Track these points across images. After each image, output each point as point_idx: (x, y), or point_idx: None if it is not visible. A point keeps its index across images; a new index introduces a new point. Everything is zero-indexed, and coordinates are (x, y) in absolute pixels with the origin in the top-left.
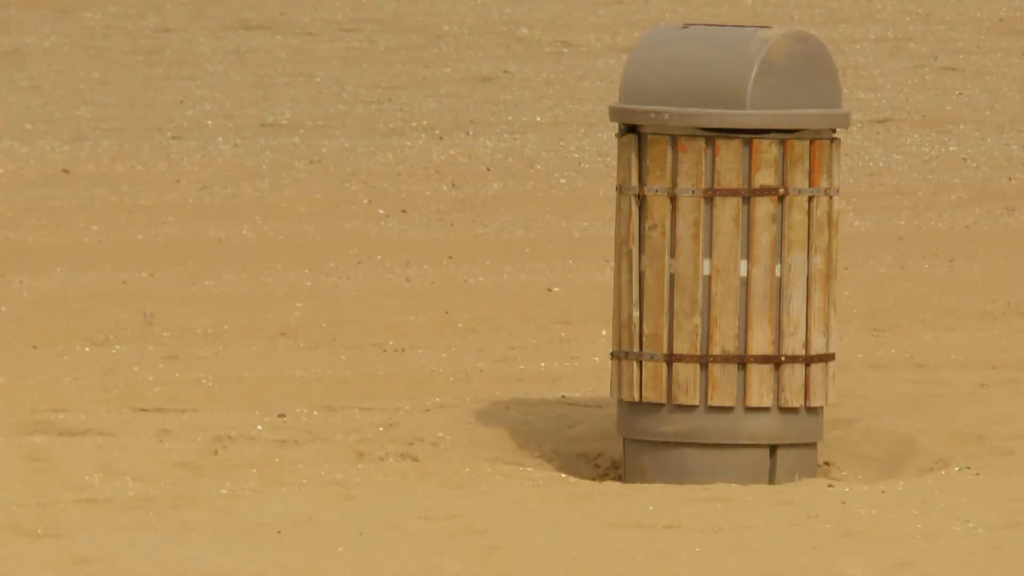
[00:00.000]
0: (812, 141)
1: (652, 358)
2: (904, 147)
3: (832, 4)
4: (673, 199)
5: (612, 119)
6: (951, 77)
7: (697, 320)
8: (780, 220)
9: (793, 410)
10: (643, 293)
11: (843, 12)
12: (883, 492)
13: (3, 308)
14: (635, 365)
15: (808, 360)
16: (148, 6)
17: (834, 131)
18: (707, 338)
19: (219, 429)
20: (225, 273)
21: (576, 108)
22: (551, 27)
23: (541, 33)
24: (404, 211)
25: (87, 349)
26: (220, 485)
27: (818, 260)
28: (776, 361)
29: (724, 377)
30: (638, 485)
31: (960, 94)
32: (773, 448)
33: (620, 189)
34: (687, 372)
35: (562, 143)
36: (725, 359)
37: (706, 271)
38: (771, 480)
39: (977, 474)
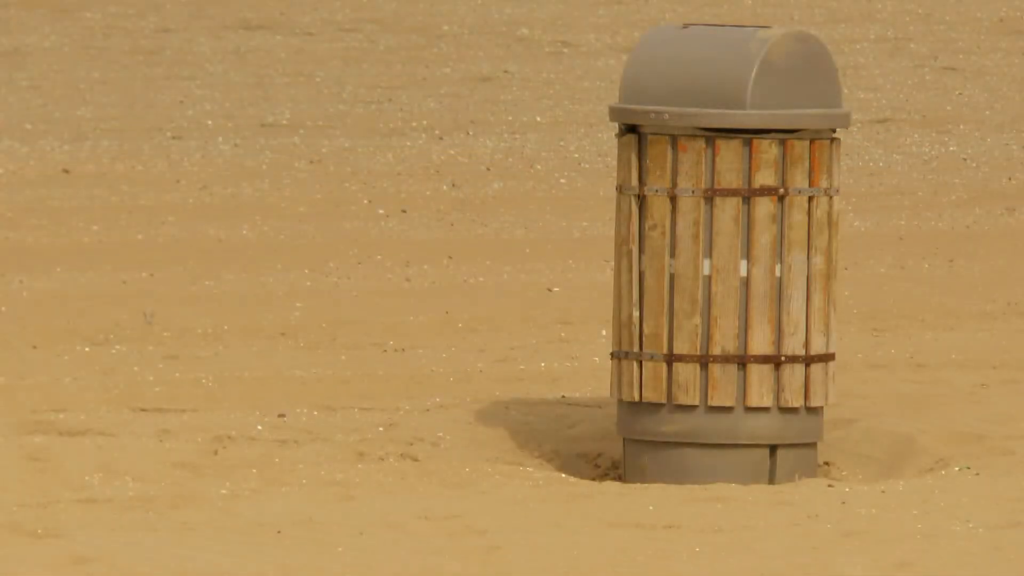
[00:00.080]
0: (812, 141)
1: (652, 358)
2: (904, 147)
3: (832, 4)
4: (673, 199)
5: (612, 119)
6: (951, 77)
7: (697, 320)
8: (780, 220)
9: (793, 410)
10: (643, 293)
11: (843, 12)
12: (883, 492)
13: (3, 308)
14: (635, 365)
15: (808, 360)
16: (148, 6)
17: (834, 131)
18: (707, 338)
19: (219, 429)
20: (225, 273)
21: (576, 108)
22: (551, 27)
23: (541, 33)
24: (404, 211)
25: (87, 349)
26: (220, 485)
27: (818, 260)
28: (776, 361)
29: (724, 377)
30: (638, 485)
31: (960, 94)
32: (773, 448)
33: (620, 189)
34: (687, 372)
35: (562, 143)
36: (725, 359)
37: (706, 271)
38: (771, 480)
39: (977, 474)
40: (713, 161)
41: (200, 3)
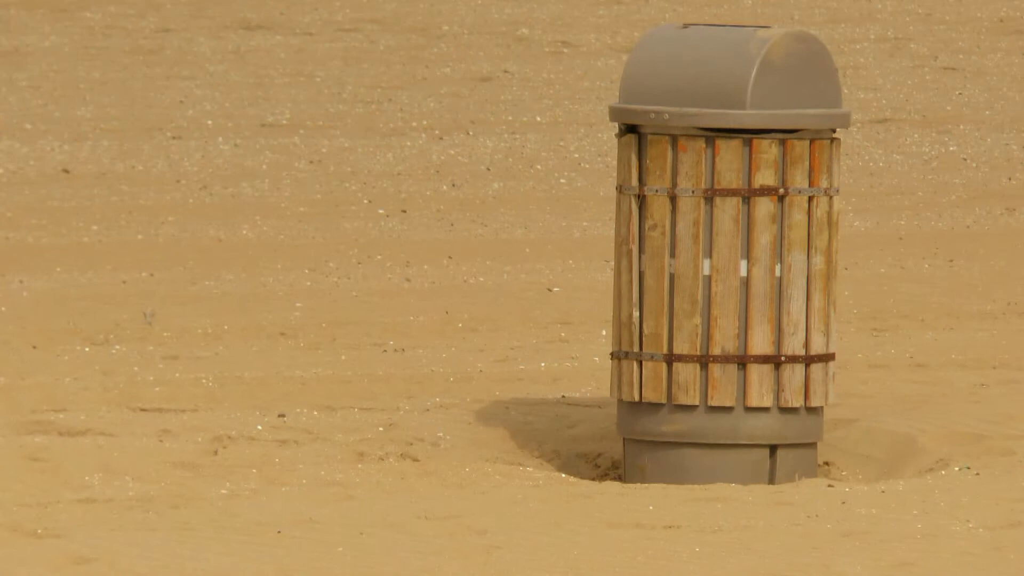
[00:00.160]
0: (812, 141)
1: (652, 358)
2: (904, 147)
3: (832, 4)
4: (673, 199)
5: (612, 119)
6: (951, 77)
7: (697, 320)
8: (780, 220)
9: (793, 410)
10: (643, 293)
11: (843, 12)
12: (883, 492)
13: (3, 308)
14: (635, 365)
15: (808, 360)
16: (148, 6)
17: (834, 131)
18: (707, 338)
19: (219, 429)
20: (225, 273)
21: (576, 108)
22: (551, 27)
23: (541, 33)
24: (404, 211)
25: (87, 349)
26: (220, 485)
27: (818, 260)
28: (776, 361)
29: (724, 377)
30: (638, 485)
31: (960, 94)
32: (773, 448)
33: (620, 189)
34: (687, 372)
35: (562, 143)
36: (725, 359)
37: (706, 271)
38: (771, 480)
39: (977, 474)
40: (713, 161)
41: (200, 3)
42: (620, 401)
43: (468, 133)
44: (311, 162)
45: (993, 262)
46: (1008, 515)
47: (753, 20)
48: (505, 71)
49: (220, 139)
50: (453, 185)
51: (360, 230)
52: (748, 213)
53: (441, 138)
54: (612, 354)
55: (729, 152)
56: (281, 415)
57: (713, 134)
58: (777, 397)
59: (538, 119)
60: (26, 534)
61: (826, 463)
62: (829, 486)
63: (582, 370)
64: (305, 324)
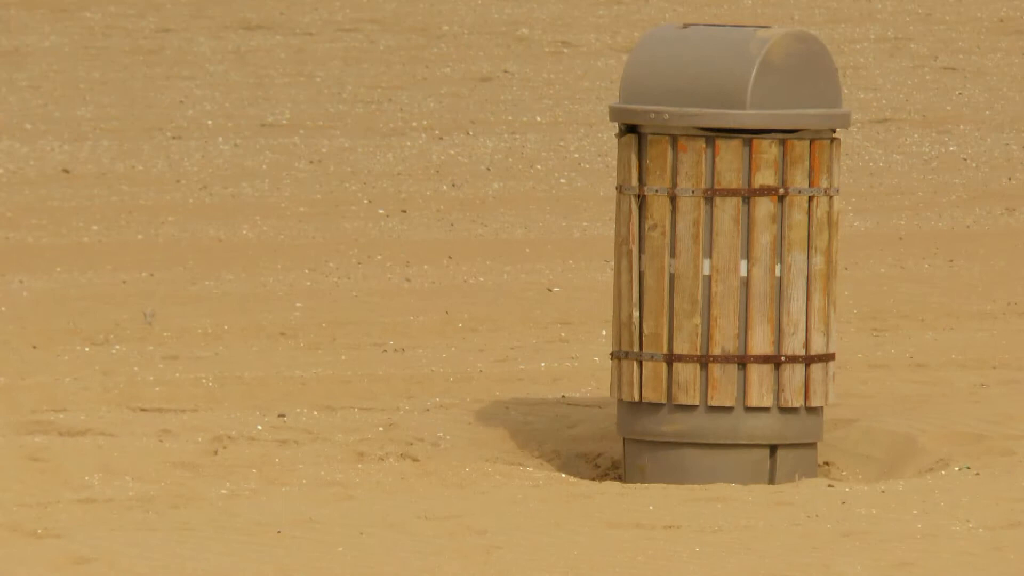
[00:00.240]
0: (812, 141)
1: (652, 358)
2: (904, 147)
3: (832, 4)
4: (673, 199)
5: (612, 119)
6: (951, 77)
7: (697, 320)
8: (780, 220)
9: (793, 410)
10: (643, 293)
11: (843, 12)
12: (883, 492)
13: (3, 308)
14: (635, 365)
15: (808, 360)
16: (148, 6)
17: (834, 131)
18: (707, 338)
19: (219, 429)
20: (225, 273)
21: (576, 108)
22: (551, 27)
23: (541, 33)
24: (404, 211)
25: (87, 349)
26: (220, 485)
27: (818, 260)
28: (776, 361)
29: (724, 377)
30: (638, 485)
31: (960, 94)
32: (773, 448)
33: (620, 189)
34: (687, 372)
35: (562, 143)
36: (725, 359)
37: (706, 271)
38: (771, 480)
39: (977, 474)
40: (713, 161)
41: (200, 3)
42: (620, 401)
43: (468, 133)
44: (311, 162)
45: (993, 262)
46: (1008, 515)
47: (753, 20)
48: (505, 71)
49: (220, 139)
50: (453, 185)
51: (360, 230)
52: (748, 213)
53: (441, 138)
54: (612, 354)
55: (729, 152)
56: (281, 415)
57: (713, 134)
58: (777, 397)
59: (538, 119)
60: (26, 534)
61: (826, 463)
62: (829, 486)
63: (582, 370)
64: (305, 324)
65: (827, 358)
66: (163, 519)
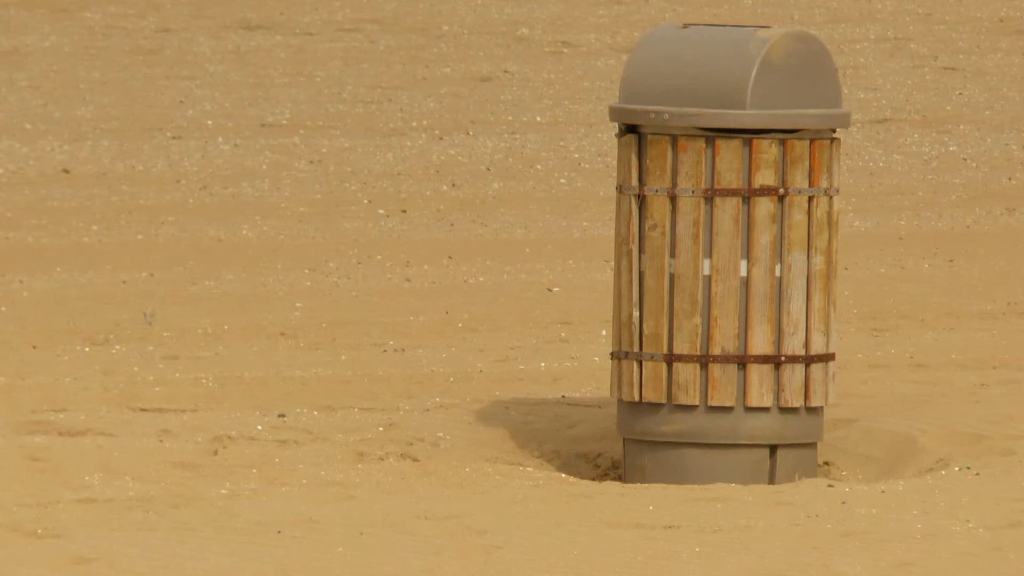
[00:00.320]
0: (812, 141)
1: (652, 358)
2: (904, 147)
3: (832, 4)
4: (673, 199)
5: (612, 119)
6: (951, 77)
7: (697, 320)
8: (780, 220)
9: (793, 410)
10: (643, 293)
11: (843, 12)
12: (883, 492)
13: (3, 308)
14: (635, 365)
15: (808, 360)
16: (148, 6)
17: (834, 131)
18: (707, 338)
19: (219, 429)
20: (225, 273)
21: (576, 108)
22: (551, 27)
23: (541, 33)
24: (404, 211)
25: (87, 349)
26: (220, 485)
27: (818, 260)
28: (776, 361)
29: (724, 377)
30: (638, 485)
31: (960, 94)
32: (773, 448)
33: (620, 189)
34: (687, 372)
35: (562, 143)
36: (725, 359)
37: (706, 271)
38: (771, 480)
39: (977, 474)
40: (713, 161)
41: (200, 3)
42: (620, 401)
43: (468, 133)
44: (311, 162)
45: (993, 262)
46: (1008, 515)
47: (753, 20)
48: (505, 71)
49: (220, 139)
50: (453, 185)
51: (360, 230)
52: (748, 213)
53: (441, 138)
54: (612, 354)
55: (729, 152)
56: (281, 415)
57: (713, 134)
58: (777, 397)
59: (538, 119)
60: (26, 534)
61: (826, 463)
62: (829, 486)
63: (582, 370)
64: (305, 324)
65: (827, 358)
66: (163, 519)
